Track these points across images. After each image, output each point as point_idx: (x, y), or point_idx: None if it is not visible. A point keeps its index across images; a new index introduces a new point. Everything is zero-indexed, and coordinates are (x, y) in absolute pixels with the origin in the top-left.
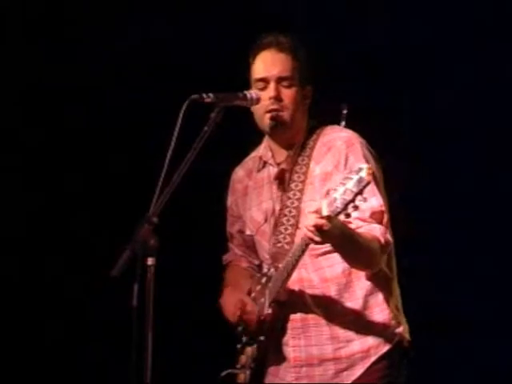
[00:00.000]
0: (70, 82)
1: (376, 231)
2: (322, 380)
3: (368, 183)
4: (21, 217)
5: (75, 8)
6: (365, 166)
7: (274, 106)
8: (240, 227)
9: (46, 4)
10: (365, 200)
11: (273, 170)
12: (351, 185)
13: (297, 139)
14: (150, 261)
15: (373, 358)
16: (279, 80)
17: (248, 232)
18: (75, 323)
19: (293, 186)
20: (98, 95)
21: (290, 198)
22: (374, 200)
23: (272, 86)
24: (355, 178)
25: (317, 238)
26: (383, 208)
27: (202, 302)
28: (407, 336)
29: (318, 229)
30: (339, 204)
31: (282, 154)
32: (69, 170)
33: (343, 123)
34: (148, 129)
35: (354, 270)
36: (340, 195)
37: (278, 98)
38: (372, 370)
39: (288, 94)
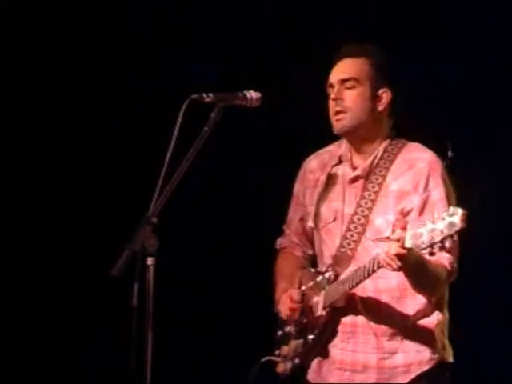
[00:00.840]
0: (70, 81)
1: (444, 260)
2: None
3: (461, 229)
4: (21, 216)
5: (75, 7)
6: (460, 211)
7: (336, 108)
8: (302, 216)
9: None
10: (453, 243)
11: (348, 172)
12: (442, 226)
13: (375, 147)
14: (150, 261)
15: (413, 375)
16: (342, 82)
17: (310, 223)
18: (75, 323)
19: (366, 194)
20: (99, 95)
21: (360, 206)
22: None
23: (335, 88)
24: (447, 220)
25: (395, 266)
26: (455, 238)
27: (202, 300)
28: (449, 359)
29: (399, 258)
30: (425, 241)
31: (360, 159)
32: (69, 169)
33: (446, 163)
34: (148, 128)
35: (409, 287)
36: (427, 232)
37: (338, 99)
38: None
39: (350, 94)
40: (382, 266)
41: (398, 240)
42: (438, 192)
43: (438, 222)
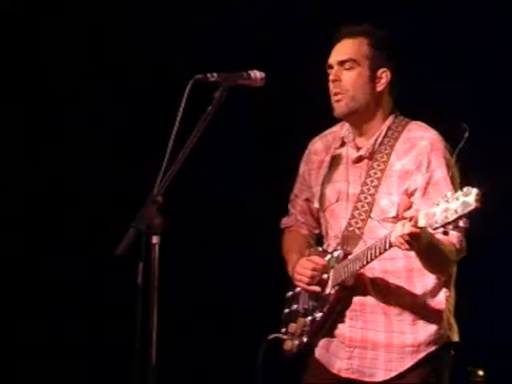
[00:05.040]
0: (75, 64)
1: (453, 238)
2: (372, 364)
3: (475, 210)
4: (25, 196)
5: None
6: (475, 190)
7: (334, 89)
8: (308, 196)
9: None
10: (466, 223)
11: (352, 153)
12: (455, 205)
13: (377, 126)
14: (155, 239)
15: (422, 354)
16: (341, 63)
17: (316, 205)
18: (81, 301)
19: (371, 173)
20: (105, 78)
21: (367, 185)
22: None
23: (334, 69)
24: (461, 200)
25: (407, 246)
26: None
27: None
28: (456, 338)
29: (412, 237)
30: (439, 220)
31: (364, 139)
32: (75, 152)
33: (461, 144)
34: (153, 108)
35: (415, 268)
36: (441, 212)
37: (336, 81)
38: (420, 365)
39: (348, 75)
40: (394, 246)
41: (411, 219)
42: (440, 171)
43: (452, 202)
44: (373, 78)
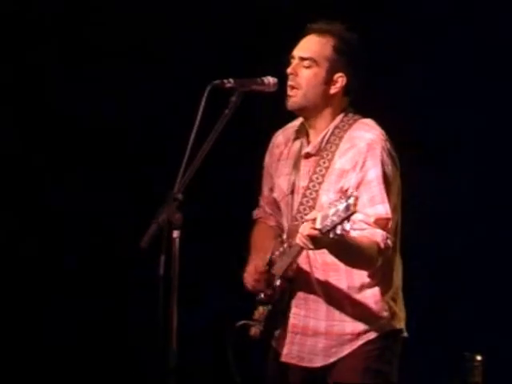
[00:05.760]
0: (88, 62)
1: (377, 236)
2: (311, 350)
3: (353, 213)
4: (53, 193)
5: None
6: (354, 194)
7: (290, 82)
8: (271, 187)
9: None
10: (385, 221)
11: (304, 147)
12: (341, 208)
13: (325, 124)
14: (176, 234)
15: (360, 342)
16: (301, 59)
17: (274, 194)
18: (107, 290)
19: (317, 169)
20: (122, 78)
21: (312, 181)
22: (380, 207)
23: (293, 63)
24: (344, 203)
25: (310, 246)
26: (389, 215)
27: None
28: (399, 326)
29: (311, 238)
30: (329, 223)
31: (315, 135)
32: (96, 151)
33: None
34: (172, 115)
35: None
36: (332, 214)
37: (293, 74)
38: (359, 352)
39: (305, 73)
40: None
41: (312, 221)
42: (374, 171)
43: (340, 205)
44: (328, 81)
